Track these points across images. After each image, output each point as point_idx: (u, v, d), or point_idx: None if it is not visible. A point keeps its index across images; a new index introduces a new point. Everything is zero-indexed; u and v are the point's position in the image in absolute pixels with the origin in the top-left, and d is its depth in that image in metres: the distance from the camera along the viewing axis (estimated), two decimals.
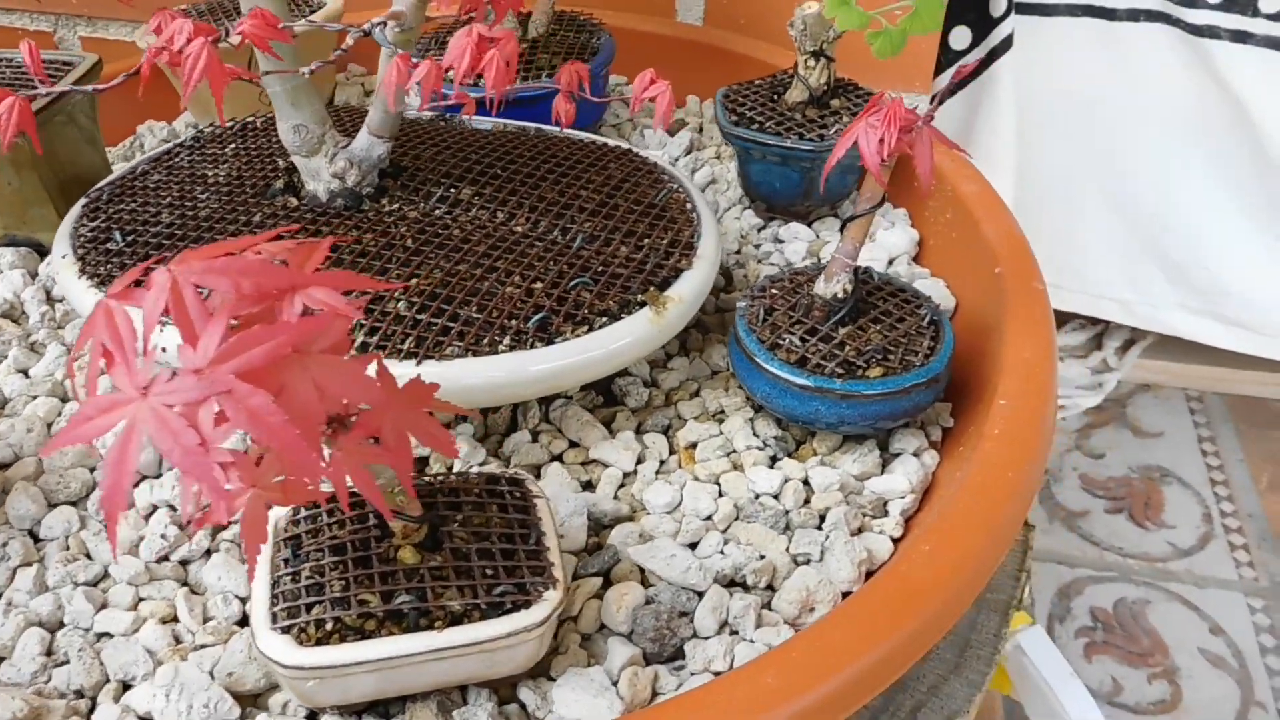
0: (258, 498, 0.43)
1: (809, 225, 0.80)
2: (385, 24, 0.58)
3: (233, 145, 0.77)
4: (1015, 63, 1.12)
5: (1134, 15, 1.10)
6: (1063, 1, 1.11)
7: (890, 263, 0.76)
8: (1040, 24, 1.12)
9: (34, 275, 0.79)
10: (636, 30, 0.99)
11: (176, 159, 0.76)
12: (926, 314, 0.62)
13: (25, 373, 0.70)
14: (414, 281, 0.61)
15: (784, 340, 0.61)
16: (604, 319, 0.60)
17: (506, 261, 0.63)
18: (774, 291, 0.64)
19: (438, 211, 0.68)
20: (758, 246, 0.78)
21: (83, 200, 0.72)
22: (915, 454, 0.61)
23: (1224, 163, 1.13)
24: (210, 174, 0.74)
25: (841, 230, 0.61)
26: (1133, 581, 1.20)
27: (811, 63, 0.76)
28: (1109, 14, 1.10)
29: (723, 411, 0.65)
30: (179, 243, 0.65)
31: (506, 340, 0.58)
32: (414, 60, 0.53)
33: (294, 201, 0.69)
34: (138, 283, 0.38)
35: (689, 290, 0.63)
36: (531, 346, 0.58)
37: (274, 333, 0.38)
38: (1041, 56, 1.13)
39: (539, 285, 0.62)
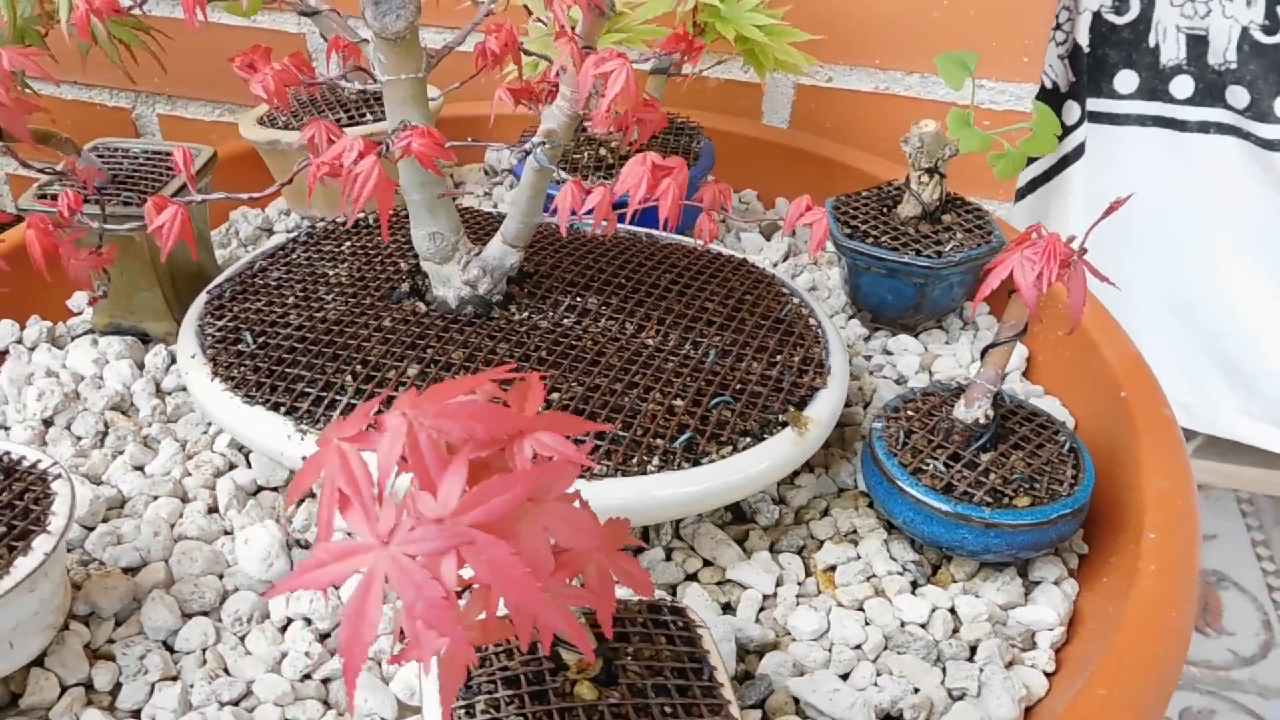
0: (461, 637, 0.42)
1: (915, 337, 0.80)
2: (545, 144, 0.59)
3: (348, 243, 0.78)
4: (1086, 169, 1.14)
5: (1204, 127, 1.12)
6: (1134, 112, 1.13)
7: (1002, 379, 0.76)
8: (1111, 132, 1.14)
9: (140, 366, 0.78)
10: (722, 131, 1.00)
11: (293, 256, 0.76)
12: (1065, 440, 0.62)
13: (141, 469, 0.69)
14: (555, 396, 0.61)
15: (928, 465, 0.61)
16: (747, 439, 0.60)
17: (644, 377, 0.63)
18: (909, 413, 0.64)
19: (567, 321, 0.68)
20: (868, 359, 0.79)
21: (205, 296, 0.72)
22: (1056, 583, 0.61)
23: None
24: (331, 273, 0.74)
25: (982, 357, 0.62)
26: (1197, 690, 1.19)
27: (925, 178, 0.77)
28: (1180, 125, 1.12)
29: (855, 532, 0.64)
30: (311, 346, 0.65)
31: (655, 460, 0.58)
32: (587, 185, 0.54)
33: (422, 306, 0.69)
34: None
35: (826, 410, 0.63)
36: (679, 467, 0.58)
37: (511, 482, 0.38)
38: (1112, 164, 1.15)
39: (680, 403, 0.62)
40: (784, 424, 0.62)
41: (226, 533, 0.65)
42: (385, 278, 0.72)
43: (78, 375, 0.77)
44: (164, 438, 0.71)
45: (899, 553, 0.63)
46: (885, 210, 0.80)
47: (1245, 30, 1.07)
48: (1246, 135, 1.10)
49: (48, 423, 0.73)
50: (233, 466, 0.70)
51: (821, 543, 0.64)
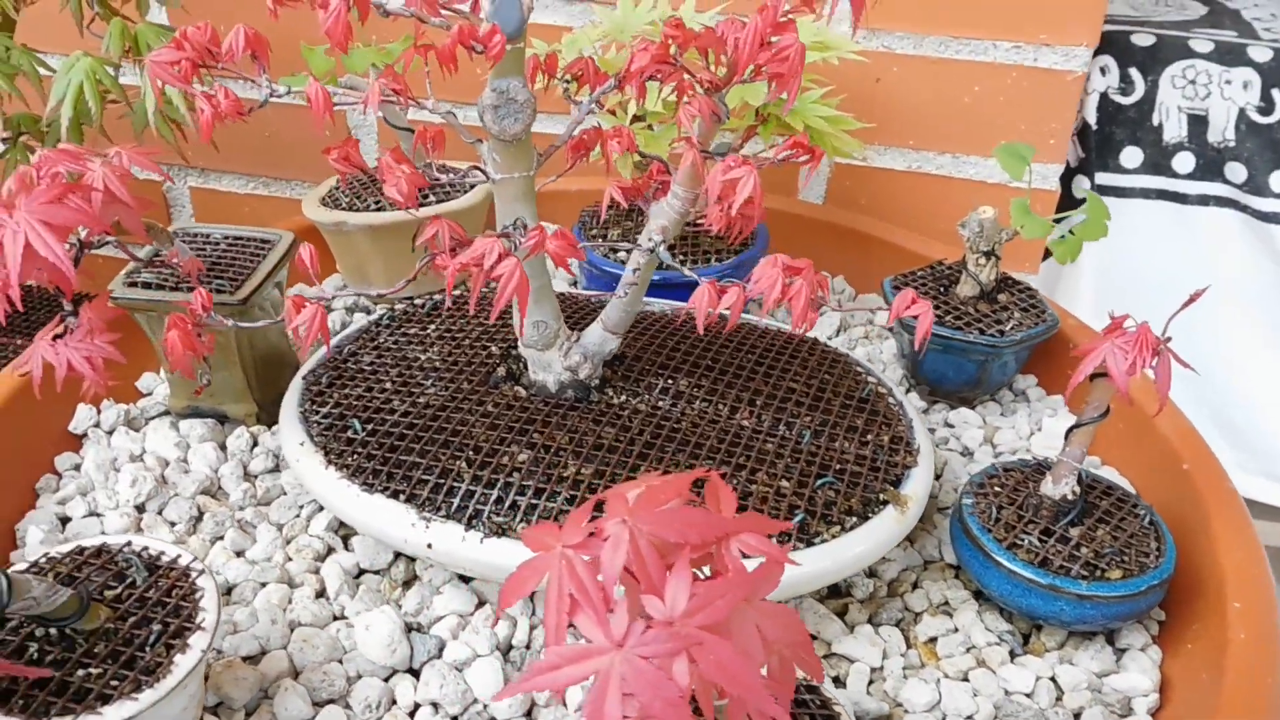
0: None
1: (973, 409, 0.84)
2: (663, 241, 0.62)
3: (432, 327, 0.80)
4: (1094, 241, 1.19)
5: (1204, 200, 1.18)
6: (1139, 185, 1.19)
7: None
8: (1117, 204, 1.20)
9: (223, 447, 0.79)
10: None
11: (381, 339, 0.78)
12: (1145, 514, 0.66)
13: (242, 554, 0.70)
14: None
15: (1022, 540, 0.64)
16: (853, 519, 0.63)
17: (748, 459, 0.66)
18: (996, 489, 0.68)
19: (662, 404, 0.71)
20: (933, 431, 0.82)
21: (300, 383, 0.74)
22: (1142, 649, 0.64)
23: None
24: (422, 357, 0.76)
25: (1066, 436, 0.66)
26: None
27: (983, 260, 0.81)
28: (1181, 198, 1.19)
29: (947, 603, 0.67)
30: (421, 433, 0.67)
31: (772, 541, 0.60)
32: (721, 284, 0.57)
33: (522, 391, 0.71)
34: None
35: (921, 488, 0.67)
36: (794, 548, 0.61)
37: (731, 584, 0.40)
38: (1118, 234, 1.20)
39: (786, 484, 0.64)
40: (884, 502, 0.65)
41: (337, 618, 0.66)
42: (479, 362, 0.74)
43: (162, 459, 0.78)
44: (259, 522, 0.73)
45: (993, 623, 0.66)
46: (944, 289, 0.84)
47: (1243, 111, 1.14)
48: (1244, 208, 1.17)
49: (139, 508, 0.73)
50: (331, 550, 0.71)
51: (918, 615, 0.67)
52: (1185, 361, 0.62)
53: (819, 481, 0.65)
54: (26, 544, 0.69)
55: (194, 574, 0.57)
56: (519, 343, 0.71)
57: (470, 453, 0.66)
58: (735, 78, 0.59)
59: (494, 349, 0.76)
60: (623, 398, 0.71)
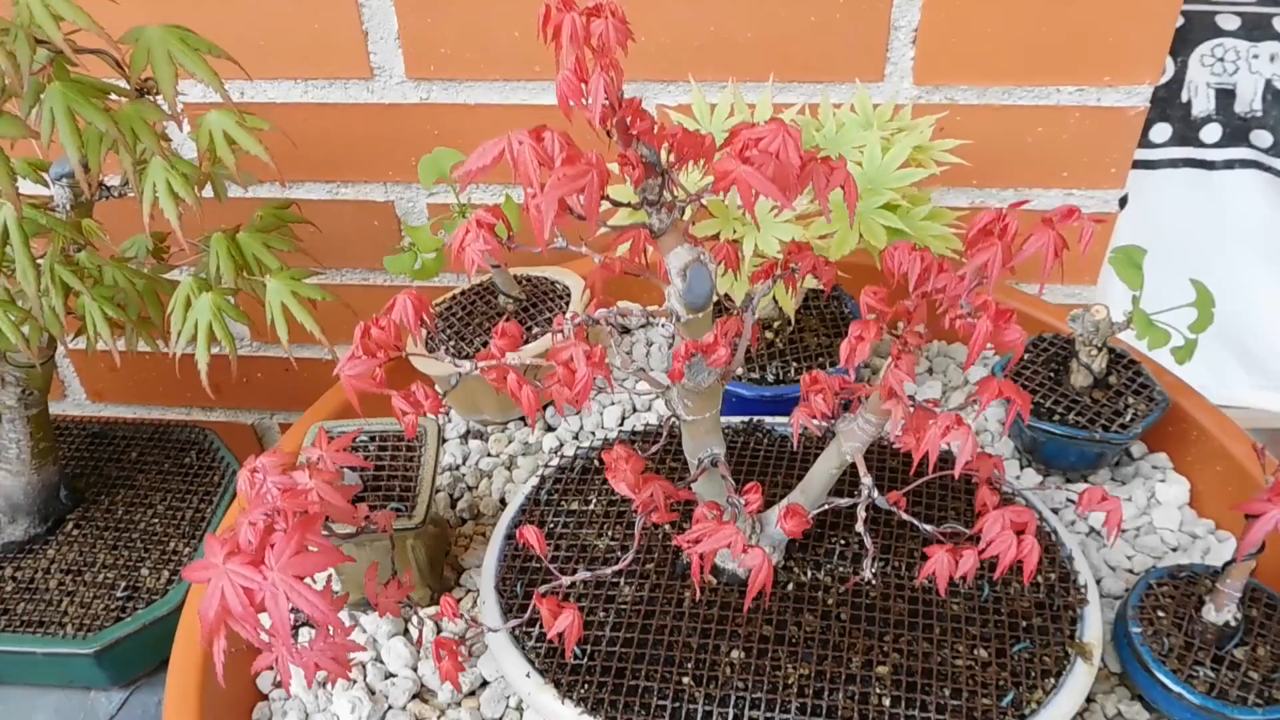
0: None
1: (1085, 480, 0.91)
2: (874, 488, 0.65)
3: (594, 500, 0.82)
4: (1128, 211, 1.24)
5: (1230, 164, 1.23)
6: (1166, 157, 1.23)
7: (1181, 524, 0.87)
8: (1147, 175, 1.24)
9: (404, 633, 0.82)
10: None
11: (547, 522, 0.81)
12: None
13: None
14: (882, 670, 0.70)
15: (1197, 672, 0.72)
16: (1050, 680, 0.70)
17: (943, 627, 0.72)
18: (1159, 613, 0.75)
19: (842, 569, 0.76)
20: (1056, 511, 0.88)
21: (495, 596, 0.76)
22: None
23: None
24: (599, 544, 0.79)
25: (1224, 570, 0.72)
26: None
27: (1094, 352, 0.85)
28: (1208, 165, 1.23)
29: (1120, 715, 0.76)
30: (639, 650, 0.71)
31: None
32: (954, 549, 0.61)
33: (713, 579, 0.75)
34: None
35: (1098, 629, 0.73)
36: None
37: None
38: (1147, 203, 1.25)
39: (984, 652, 0.71)
40: (1069, 654, 0.71)
41: None
42: (659, 546, 0.78)
43: (358, 663, 0.81)
44: None
45: None
46: (1054, 376, 0.88)
47: (1269, 82, 1.16)
48: (1268, 169, 1.22)
49: None
50: None
51: None
52: None
53: (1015, 647, 0.71)
54: None
55: None
56: None
57: (691, 666, 0.70)
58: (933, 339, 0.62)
59: (667, 528, 0.79)
60: (808, 572, 0.76)
